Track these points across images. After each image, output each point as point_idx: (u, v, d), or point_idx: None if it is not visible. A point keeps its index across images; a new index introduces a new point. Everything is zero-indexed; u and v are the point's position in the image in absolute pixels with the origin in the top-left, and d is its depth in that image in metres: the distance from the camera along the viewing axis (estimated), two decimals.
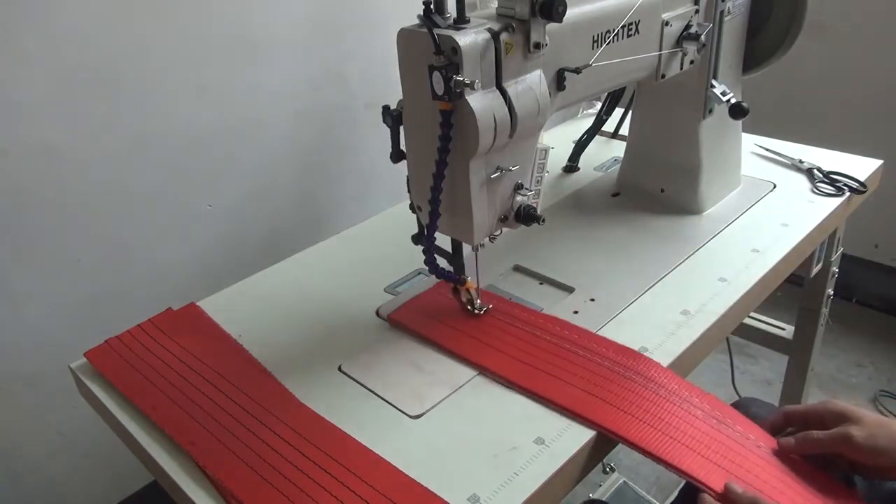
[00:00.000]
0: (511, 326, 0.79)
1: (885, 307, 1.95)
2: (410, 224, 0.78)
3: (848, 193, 1.04)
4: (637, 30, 0.81)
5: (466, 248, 0.78)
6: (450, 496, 0.59)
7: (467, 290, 0.80)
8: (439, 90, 0.63)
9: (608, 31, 0.77)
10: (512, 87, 0.67)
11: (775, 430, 0.69)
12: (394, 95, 0.72)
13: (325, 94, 1.43)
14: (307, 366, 0.77)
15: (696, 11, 0.88)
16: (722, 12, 0.91)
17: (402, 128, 0.73)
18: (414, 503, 0.59)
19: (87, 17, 1.06)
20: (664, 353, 0.75)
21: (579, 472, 0.66)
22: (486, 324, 0.80)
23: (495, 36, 0.64)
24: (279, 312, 0.87)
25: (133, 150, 1.17)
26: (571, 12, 0.68)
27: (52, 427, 1.21)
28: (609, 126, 1.27)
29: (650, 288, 0.86)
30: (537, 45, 0.68)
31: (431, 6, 0.63)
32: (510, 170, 0.71)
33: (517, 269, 0.93)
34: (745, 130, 1.11)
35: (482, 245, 0.75)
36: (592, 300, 0.84)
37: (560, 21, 0.66)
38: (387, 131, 0.73)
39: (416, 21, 0.65)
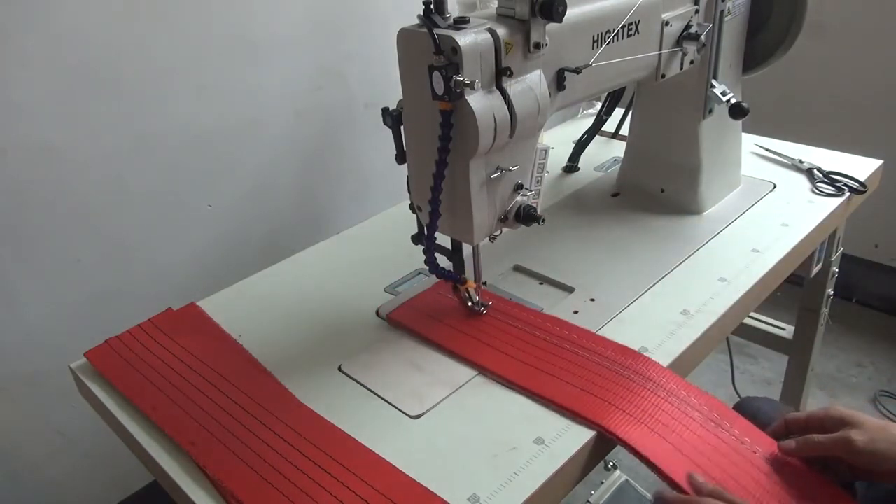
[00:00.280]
0: (511, 326, 0.79)
1: (885, 307, 1.95)
2: (410, 224, 0.78)
3: (848, 193, 1.04)
4: (637, 30, 0.81)
5: (466, 248, 0.79)
6: (450, 496, 0.59)
7: (466, 290, 0.81)
8: (439, 90, 0.63)
9: (608, 31, 0.77)
10: (512, 87, 0.67)
11: (777, 437, 0.69)
12: (394, 95, 0.72)
13: (325, 94, 1.43)
14: (307, 366, 0.77)
15: (696, 11, 0.88)
16: (722, 12, 0.91)
17: (402, 128, 0.73)
18: (414, 503, 0.59)
19: (87, 17, 1.06)
20: (664, 353, 0.75)
21: (579, 471, 0.66)
22: (485, 324, 0.80)
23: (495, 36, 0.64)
24: (279, 312, 0.87)
25: (133, 150, 1.17)
26: (571, 12, 0.69)
27: (52, 427, 1.21)
28: (609, 126, 1.27)
29: (650, 288, 0.86)
30: (537, 45, 0.68)
31: (431, 6, 0.64)
32: (510, 170, 0.71)
33: (517, 269, 0.93)
34: (745, 130, 1.11)
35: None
36: (592, 300, 0.84)
37: (560, 21, 0.66)
38: (387, 131, 0.73)
39: (416, 21, 0.65)
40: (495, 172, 0.70)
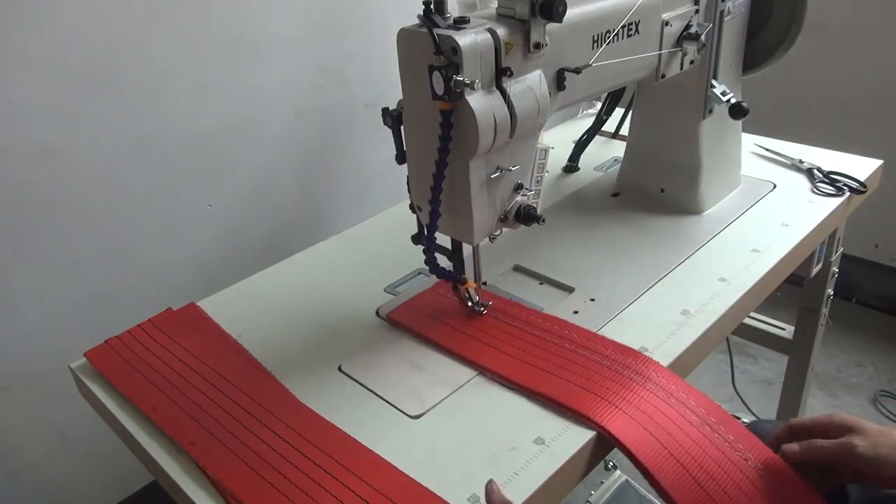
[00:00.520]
0: (511, 326, 0.79)
1: (885, 307, 1.95)
2: (410, 224, 0.78)
3: (848, 193, 1.04)
4: (637, 30, 0.81)
5: (466, 248, 0.78)
6: (450, 496, 0.59)
7: (466, 290, 0.80)
8: (439, 90, 0.63)
9: (608, 31, 0.77)
10: (512, 88, 0.67)
11: (781, 443, 0.69)
12: (394, 95, 0.72)
13: (325, 94, 1.43)
14: (307, 366, 0.77)
15: (696, 11, 0.88)
16: (722, 12, 0.91)
17: (402, 128, 0.73)
18: (414, 503, 0.59)
19: (87, 17, 1.06)
20: (664, 353, 0.75)
21: (579, 471, 0.66)
22: (485, 324, 0.80)
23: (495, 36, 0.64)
24: (279, 312, 0.87)
25: (133, 150, 1.17)
26: (571, 12, 0.68)
27: (52, 427, 1.21)
28: (609, 126, 1.27)
29: (650, 288, 0.86)
30: (537, 45, 0.68)
31: (431, 6, 0.64)
32: (510, 170, 0.71)
33: (517, 269, 0.93)
34: (745, 130, 1.11)
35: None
36: (592, 300, 0.84)
37: (560, 21, 0.66)
38: (387, 131, 0.73)
39: (416, 21, 0.65)
40: (495, 172, 0.70)
